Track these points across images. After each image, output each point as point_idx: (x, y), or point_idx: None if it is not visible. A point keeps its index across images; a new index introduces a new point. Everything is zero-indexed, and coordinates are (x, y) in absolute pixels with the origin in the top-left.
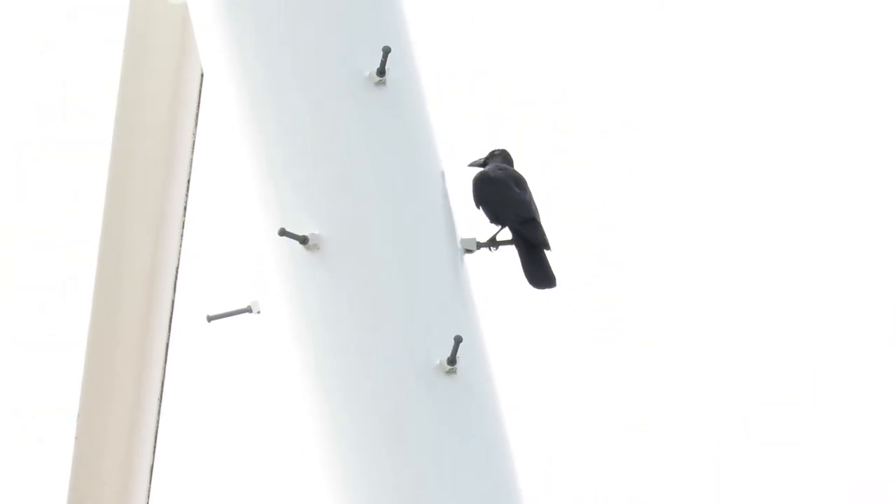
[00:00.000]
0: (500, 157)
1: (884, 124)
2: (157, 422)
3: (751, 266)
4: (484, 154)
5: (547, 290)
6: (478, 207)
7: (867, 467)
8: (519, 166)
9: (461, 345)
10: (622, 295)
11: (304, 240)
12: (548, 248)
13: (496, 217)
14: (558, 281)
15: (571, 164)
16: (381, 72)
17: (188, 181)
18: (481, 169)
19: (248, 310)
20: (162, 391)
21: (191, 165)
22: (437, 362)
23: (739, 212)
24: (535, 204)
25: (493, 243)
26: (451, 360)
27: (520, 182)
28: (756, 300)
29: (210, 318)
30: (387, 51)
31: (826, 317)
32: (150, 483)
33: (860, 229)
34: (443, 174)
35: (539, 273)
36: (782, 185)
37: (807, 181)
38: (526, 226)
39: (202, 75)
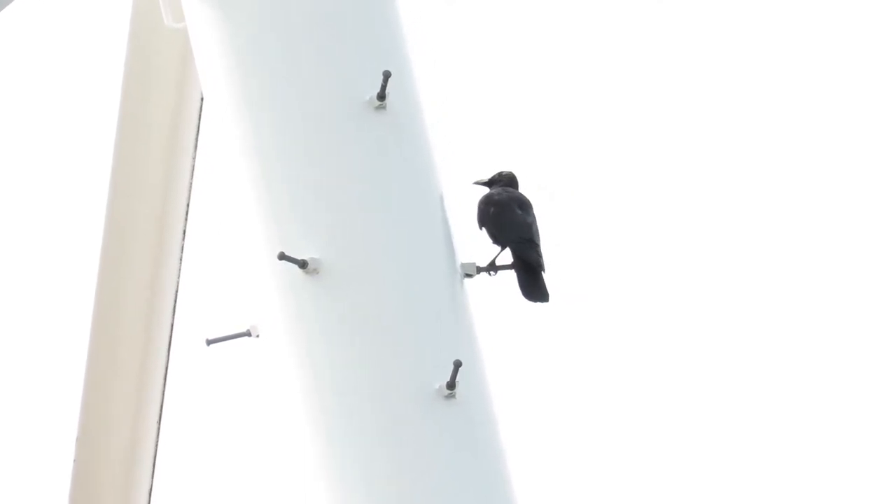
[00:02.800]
0: (507, 180)
1: (883, 124)
2: (156, 445)
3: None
4: (488, 174)
5: (541, 305)
6: (480, 228)
7: (867, 467)
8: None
9: (461, 369)
10: (625, 317)
11: (303, 264)
12: (542, 269)
13: (496, 238)
14: (553, 300)
15: (573, 183)
16: (382, 96)
17: (187, 205)
18: (487, 191)
19: (248, 333)
20: (161, 414)
21: (190, 189)
22: (437, 386)
23: (741, 213)
24: (536, 227)
25: (492, 268)
26: (451, 385)
27: (523, 205)
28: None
29: (209, 342)
30: (387, 75)
31: (825, 317)
32: None
33: (860, 229)
34: (443, 198)
35: (533, 289)
36: (781, 186)
37: (806, 181)
38: (523, 245)
39: (202, 99)
